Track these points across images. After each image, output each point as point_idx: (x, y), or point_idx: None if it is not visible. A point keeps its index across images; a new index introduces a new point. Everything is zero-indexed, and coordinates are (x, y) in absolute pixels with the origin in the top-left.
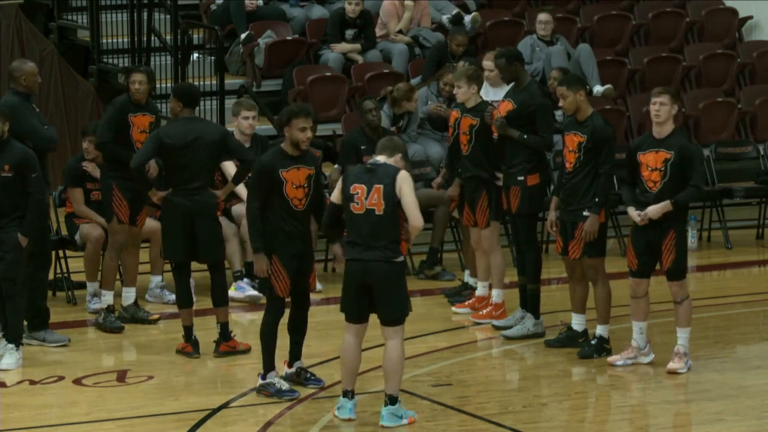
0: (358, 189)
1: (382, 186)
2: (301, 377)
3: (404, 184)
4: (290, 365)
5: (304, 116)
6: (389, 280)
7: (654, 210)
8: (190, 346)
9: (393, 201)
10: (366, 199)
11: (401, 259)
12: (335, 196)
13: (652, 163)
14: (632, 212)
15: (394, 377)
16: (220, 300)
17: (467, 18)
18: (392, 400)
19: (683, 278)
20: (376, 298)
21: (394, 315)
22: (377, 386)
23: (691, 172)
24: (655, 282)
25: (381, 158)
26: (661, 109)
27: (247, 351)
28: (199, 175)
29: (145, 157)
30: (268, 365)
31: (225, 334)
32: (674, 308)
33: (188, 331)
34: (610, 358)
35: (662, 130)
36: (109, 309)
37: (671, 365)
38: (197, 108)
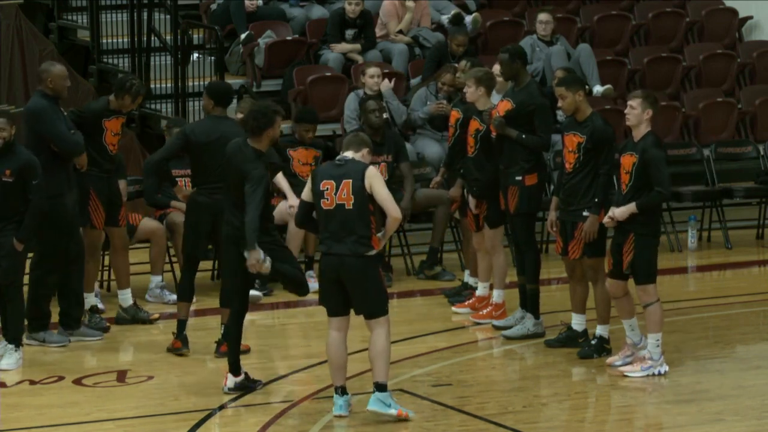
0: (328, 185)
1: (351, 181)
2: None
3: (374, 180)
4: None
5: (281, 116)
6: (361, 275)
7: (620, 211)
8: (180, 342)
9: (362, 196)
10: (335, 194)
11: (373, 252)
12: (305, 194)
13: (626, 165)
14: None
15: (378, 364)
16: (228, 302)
17: (468, 19)
18: (379, 387)
19: (648, 283)
20: (350, 293)
21: (371, 309)
22: None
23: (653, 176)
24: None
25: (348, 154)
26: (630, 113)
27: (246, 352)
28: (221, 174)
29: (167, 152)
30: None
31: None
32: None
33: (182, 325)
34: (609, 360)
35: (637, 132)
36: (92, 310)
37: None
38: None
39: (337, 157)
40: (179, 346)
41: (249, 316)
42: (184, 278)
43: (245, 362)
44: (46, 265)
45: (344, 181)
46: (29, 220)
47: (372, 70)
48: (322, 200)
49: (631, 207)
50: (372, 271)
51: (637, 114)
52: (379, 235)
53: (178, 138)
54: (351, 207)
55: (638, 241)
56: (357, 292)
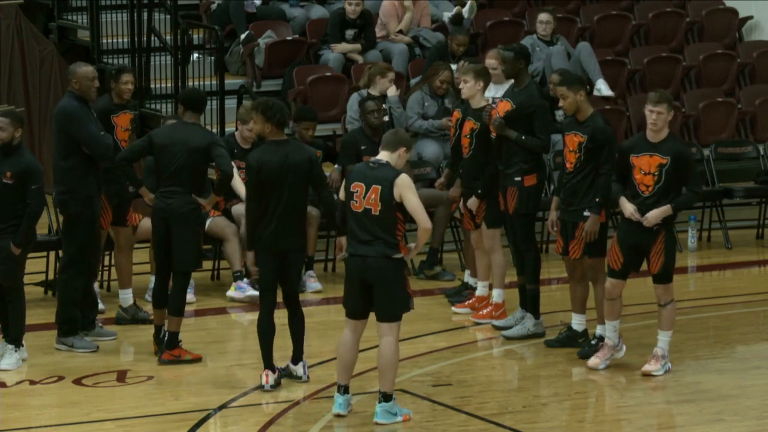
0: (358, 187)
1: (380, 187)
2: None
3: (404, 189)
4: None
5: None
6: (386, 276)
7: (655, 215)
8: (157, 345)
9: (389, 203)
10: (364, 198)
11: (400, 256)
12: (341, 194)
13: (645, 166)
14: (626, 204)
15: (388, 374)
16: (171, 308)
17: (465, 8)
18: (386, 397)
19: (670, 282)
20: (374, 294)
21: (390, 312)
22: (377, 386)
23: (688, 177)
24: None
25: (384, 155)
26: (658, 119)
27: (193, 360)
28: (177, 179)
29: (131, 153)
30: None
31: (170, 343)
32: (658, 311)
33: (157, 330)
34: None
35: (658, 135)
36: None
37: (647, 367)
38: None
39: (372, 159)
40: (156, 349)
41: (249, 316)
42: (155, 284)
43: (246, 362)
44: (74, 268)
45: (373, 186)
46: (26, 225)
47: (392, 75)
48: (351, 202)
49: (666, 210)
50: (395, 273)
51: (664, 118)
52: (411, 245)
53: (143, 140)
54: (377, 213)
55: (668, 240)
56: (380, 293)
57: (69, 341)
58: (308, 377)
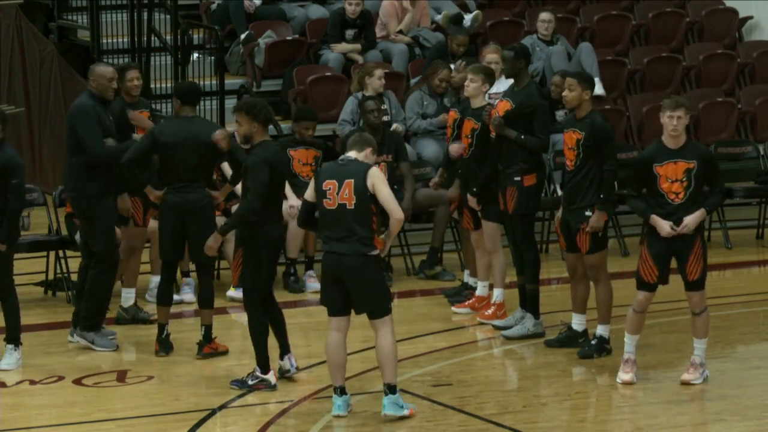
0: (330, 185)
1: (352, 180)
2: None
3: (376, 181)
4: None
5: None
6: (363, 273)
7: (693, 220)
8: (158, 345)
9: (364, 195)
10: (338, 194)
11: (375, 252)
12: (308, 194)
13: (671, 174)
14: (665, 225)
15: (388, 366)
16: (206, 302)
17: (468, 16)
18: (391, 389)
19: (704, 288)
20: (351, 292)
21: (374, 308)
22: (377, 386)
23: (717, 177)
24: None
25: (352, 154)
26: (679, 123)
27: (225, 352)
28: (191, 173)
29: (136, 153)
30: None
31: (208, 337)
32: (692, 320)
33: (161, 328)
34: (685, 377)
35: (678, 140)
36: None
37: (686, 376)
38: (197, 107)
39: (340, 157)
40: (158, 348)
41: None
42: (161, 282)
43: (246, 362)
44: (103, 264)
45: (346, 180)
46: (8, 222)
47: (380, 72)
48: (324, 200)
49: (701, 214)
50: (372, 270)
51: (684, 123)
52: (382, 237)
53: (147, 138)
54: (352, 207)
55: (703, 245)
56: (357, 291)
57: (90, 337)
58: (297, 368)
